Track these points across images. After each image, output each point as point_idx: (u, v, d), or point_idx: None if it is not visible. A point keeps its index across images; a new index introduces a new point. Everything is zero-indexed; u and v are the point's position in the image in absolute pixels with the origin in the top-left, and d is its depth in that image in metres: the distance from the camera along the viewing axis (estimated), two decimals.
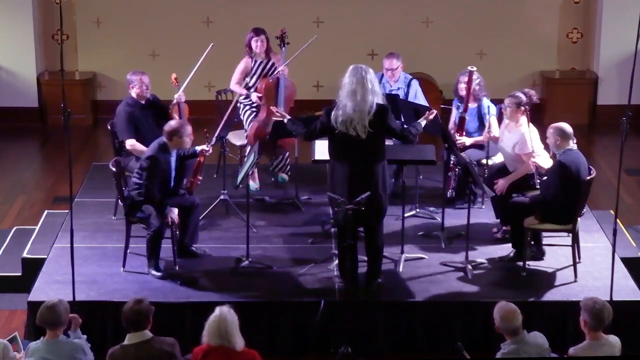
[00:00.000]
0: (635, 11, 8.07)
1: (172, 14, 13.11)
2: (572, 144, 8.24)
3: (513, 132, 8.76)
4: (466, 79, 9.26)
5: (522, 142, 8.65)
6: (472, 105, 9.38)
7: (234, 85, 9.97)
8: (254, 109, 9.96)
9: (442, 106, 10.48)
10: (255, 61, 9.88)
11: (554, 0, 13.26)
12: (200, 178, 8.89)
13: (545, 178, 8.43)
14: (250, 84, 9.92)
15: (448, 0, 13.21)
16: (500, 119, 9.26)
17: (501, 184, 8.67)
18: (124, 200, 8.44)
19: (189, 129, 8.36)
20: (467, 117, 9.32)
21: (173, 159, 8.39)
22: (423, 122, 8.26)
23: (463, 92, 9.34)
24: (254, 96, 9.84)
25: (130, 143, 9.05)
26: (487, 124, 9.31)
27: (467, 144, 9.34)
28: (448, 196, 9.25)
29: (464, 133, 9.36)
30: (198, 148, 8.70)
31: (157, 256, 8.34)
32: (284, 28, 9.94)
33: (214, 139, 9.12)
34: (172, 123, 8.38)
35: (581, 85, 13.29)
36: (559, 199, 8.17)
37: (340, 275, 8.16)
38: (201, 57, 9.55)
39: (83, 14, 13.15)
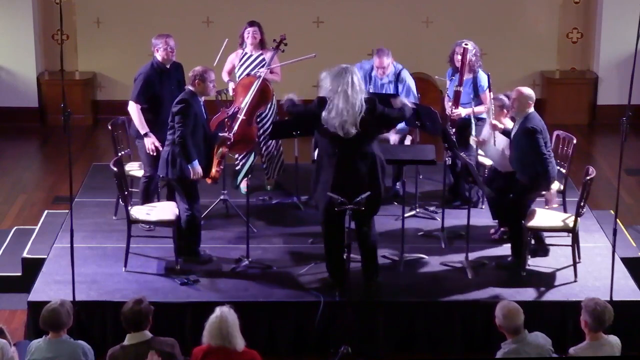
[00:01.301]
0: (635, 11, 8.09)
1: (172, 14, 13.12)
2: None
3: (501, 135, 8.72)
4: (462, 50, 9.25)
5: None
6: (468, 76, 9.36)
7: (223, 73, 9.92)
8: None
9: (436, 77, 10.43)
10: (245, 53, 9.83)
11: (554, 0, 13.27)
12: (222, 168, 8.87)
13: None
14: (237, 75, 9.85)
15: (448, 0, 13.22)
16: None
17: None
18: (125, 200, 8.43)
19: (212, 74, 8.38)
20: (462, 90, 9.29)
21: (202, 105, 8.39)
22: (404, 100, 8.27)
23: (459, 63, 9.32)
24: (230, 87, 9.80)
25: (133, 107, 8.93)
26: (486, 97, 9.19)
27: (463, 115, 9.32)
28: (446, 163, 9.15)
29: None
30: (221, 134, 8.68)
31: (198, 244, 8.43)
32: (284, 35, 9.84)
33: (235, 126, 9.11)
34: (196, 68, 8.39)
35: (581, 85, 13.30)
36: (541, 161, 8.17)
37: (332, 275, 8.13)
38: (218, 54, 9.51)
39: (83, 14, 13.16)
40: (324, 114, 7.74)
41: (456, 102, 9.29)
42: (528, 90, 8.33)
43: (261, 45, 9.78)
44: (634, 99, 8.48)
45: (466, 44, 9.22)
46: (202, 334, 6.34)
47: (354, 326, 7.78)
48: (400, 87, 9.59)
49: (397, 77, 9.63)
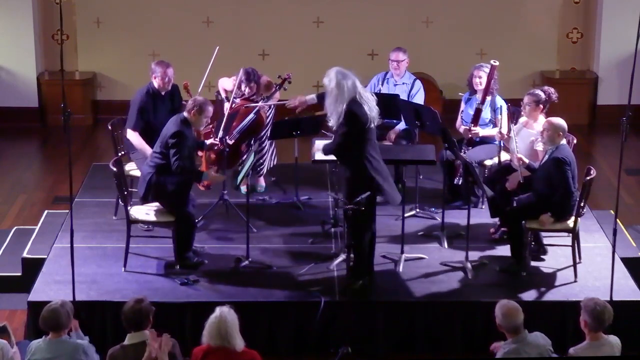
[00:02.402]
0: (635, 11, 8.08)
1: (172, 14, 13.11)
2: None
3: (532, 129, 8.74)
4: (481, 73, 9.27)
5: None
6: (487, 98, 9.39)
7: (221, 89, 9.86)
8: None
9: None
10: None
11: (554, 0, 13.27)
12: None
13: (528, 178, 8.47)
14: (236, 99, 9.75)
15: (448, 0, 13.21)
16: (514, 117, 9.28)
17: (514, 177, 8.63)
18: (125, 200, 8.43)
19: (211, 109, 8.38)
20: (482, 108, 9.29)
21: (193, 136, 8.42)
22: None
23: (479, 87, 9.32)
24: (226, 107, 9.72)
25: (132, 134, 9.02)
26: (499, 122, 9.24)
27: (481, 134, 9.34)
28: (455, 182, 9.22)
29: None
30: (207, 141, 8.68)
31: (188, 249, 8.43)
32: (290, 74, 9.72)
33: (220, 132, 9.09)
34: (198, 98, 8.37)
35: (581, 85, 13.30)
36: (567, 194, 8.15)
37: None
38: (209, 62, 9.48)
39: (83, 14, 13.16)
40: (365, 113, 7.85)
41: (475, 121, 9.30)
42: (559, 121, 8.27)
43: (257, 89, 9.69)
44: (634, 99, 8.48)
45: (494, 62, 9.19)
46: (202, 334, 6.34)
47: (354, 326, 7.79)
48: (412, 92, 9.78)
49: (413, 84, 9.85)
